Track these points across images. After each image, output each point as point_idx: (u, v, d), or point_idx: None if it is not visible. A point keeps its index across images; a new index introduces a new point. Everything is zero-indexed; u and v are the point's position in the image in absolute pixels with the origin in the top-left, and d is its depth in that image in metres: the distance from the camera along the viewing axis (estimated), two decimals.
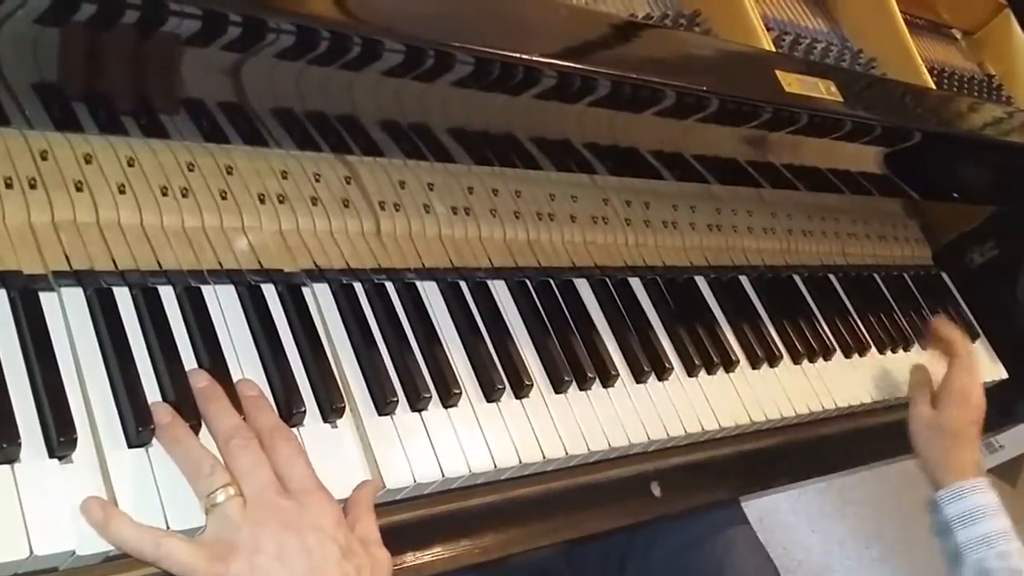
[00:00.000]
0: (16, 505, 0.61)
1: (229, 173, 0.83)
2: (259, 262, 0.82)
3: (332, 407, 0.77)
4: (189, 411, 0.70)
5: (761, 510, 2.28)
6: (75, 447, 0.64)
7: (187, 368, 0.72)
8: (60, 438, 0.63)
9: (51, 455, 0.64)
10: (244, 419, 0.71)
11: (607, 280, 1.05)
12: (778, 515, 2.37)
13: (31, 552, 0.60)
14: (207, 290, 0.77)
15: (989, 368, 1.47)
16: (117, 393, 0.68)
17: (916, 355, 1.36)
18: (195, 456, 0.67)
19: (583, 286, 1.03)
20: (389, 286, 0.88)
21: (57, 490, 0.63)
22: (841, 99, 1.06)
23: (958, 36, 1.57)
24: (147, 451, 0.67)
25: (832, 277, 1.35)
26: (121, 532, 0.63)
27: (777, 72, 1.01)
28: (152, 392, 0.70)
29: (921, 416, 1.18)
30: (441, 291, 0.91)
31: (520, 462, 0.86)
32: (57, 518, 0.62)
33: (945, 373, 1.21)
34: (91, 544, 0.62)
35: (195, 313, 0.75)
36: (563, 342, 0.95)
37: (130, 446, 0.67)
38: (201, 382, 0.71)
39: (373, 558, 0.69)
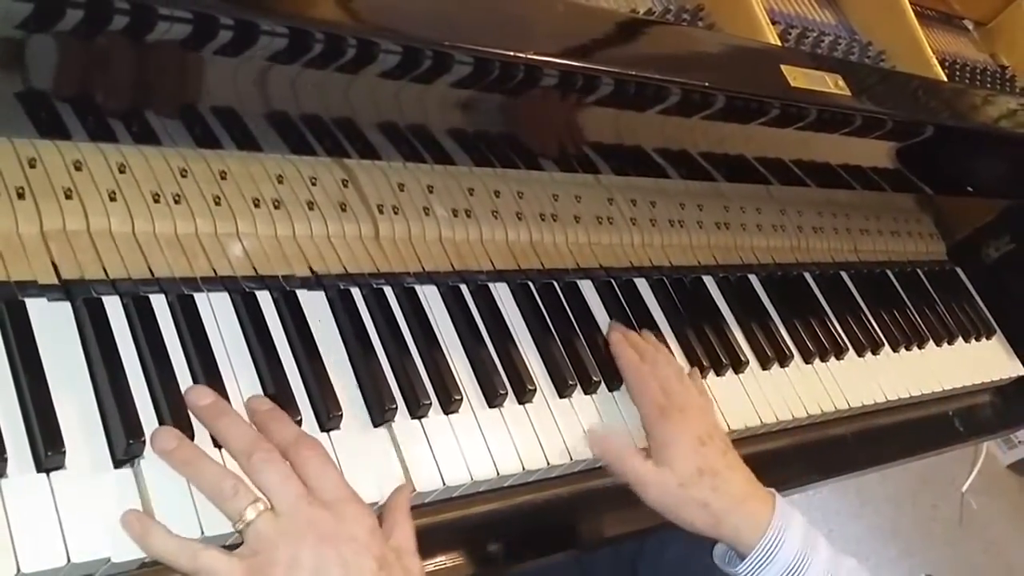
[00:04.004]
0: (3, 522, 0.59)
1: (223, 178, 0.82)
2: (254, 268, 0.80)
3: (329, 416, 0.75)
4: (183, 423, 0.68)
5: None
6: (63, 461, 0.63)
7: (179, 378, 0.71)
8: (48, 452, 0.62)
9: (39, 469, 0.62)
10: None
11: (612, 281, 1.04)
12: None
13: (18, 570, 0.58)
14: (200, 298, 0.76)
15: (1006, 365, 1.45)
16: (107, 406, 0.66)
17: (930, 352, 1.34)
18: (213, 478, 0.66)
19: (587, 288, 1.01)
20: (388, 291, 0.86)
21: (45, 505, 0.61)
22: (849, 93, 1.04)
23: (970, 27, 1.54)
24: (139, 464, 0.66)
25: (844, 274, 1.33)
26: (160, 544, 0.62)
27: (783, 67, 0.99)
28: (144, 404, 0.68)
29: (655, 482, 0.83)
30: (442, 295, 0.90)
31: (523, 469, 0.84)
32: (46, 535, 0.61)
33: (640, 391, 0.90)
34: (83, 560, 0.61)
35: (188, 322, 0.74)
36: (567, 345, 0.94)
37: (120, 460, 0.65)
38: (205, 399, 0.70)
39: (405, 570, 0.69)
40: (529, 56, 0.80)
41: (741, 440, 1.05)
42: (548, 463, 0.86)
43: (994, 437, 2.14)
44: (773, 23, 1.09)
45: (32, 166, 0.72)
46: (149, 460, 0.66)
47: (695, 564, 1.13)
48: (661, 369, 0.92)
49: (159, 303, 0.74)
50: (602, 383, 0.93)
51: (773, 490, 0.83)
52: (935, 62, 1.26)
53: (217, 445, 0.69)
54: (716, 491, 0.81)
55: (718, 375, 1.04)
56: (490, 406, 0.86)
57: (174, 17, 0.65)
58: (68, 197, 0.73)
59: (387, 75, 0.77)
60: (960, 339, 1.40)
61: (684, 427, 0.85)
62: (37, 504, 0.61)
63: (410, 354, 0.83)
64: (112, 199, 0.75)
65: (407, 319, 0.86)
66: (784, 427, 1.09)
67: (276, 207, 0.84)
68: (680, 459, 0.82)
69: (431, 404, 0.81)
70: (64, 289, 0.70)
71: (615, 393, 0.94)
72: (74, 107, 0.70)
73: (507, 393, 0.86)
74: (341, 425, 0.76)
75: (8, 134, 0.71)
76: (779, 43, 1.09)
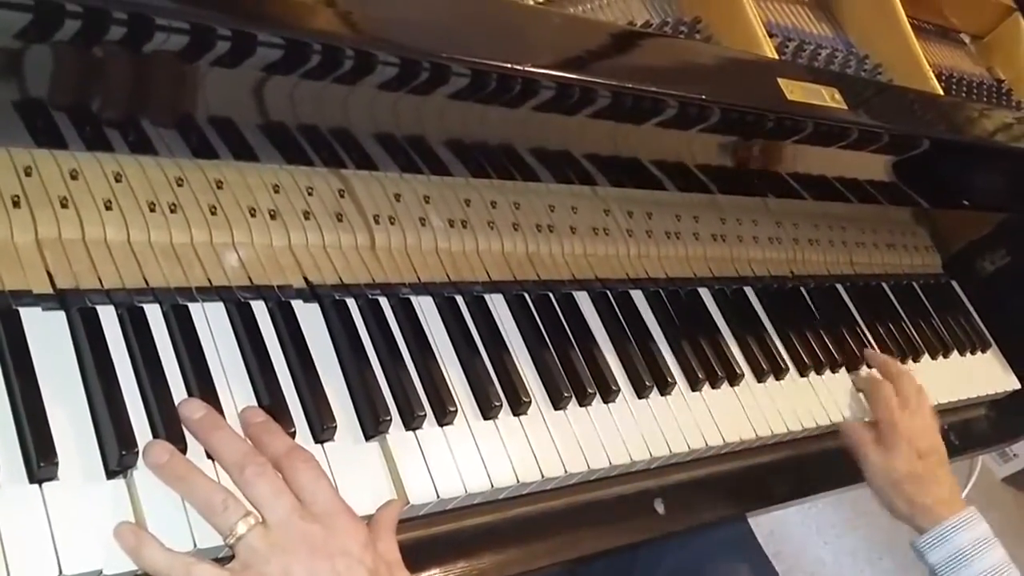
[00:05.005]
0: None
1: (219, 188, 0.82)
2: (249, 278, 0.80)
3: (323, 427, 0.75)
4: (176, 434, 0.68)
5: (772, 522, 2.26)
6: (56, 472, 0.63)
7: (173, 388, 0.71)
8: (40, 463, 0.62)
9: (31, 480, 0.62)
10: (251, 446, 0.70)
11: (608, 293, 1.03)
12: (789, 527, 2.34)
13: None
14: (195, 308, 0.76)
15: (1001, 378, 1.45)
16: (100, 416, 0.66)
17: (926, 365, 1.34)
18: (204, 493, 0.65)
19: (583, 299, 1.01)
20: (383, 301, 0.86)
21: (37, 516, 0.61)
22: (845, 107, 1.04)
23: (966, 40, 1.54)
24: (132, 475, 0.65)
25: (839, 287, 1.33)
26: (153, 557, 0.62)
27: (779, 80, 0.99)
28: (138, 414, 0.68)
29: (876, 470, 1.07)
30: (437, 306, 0.90)
31: (518, 481, 0.84)
32: (38, 546, 0.60)
33: (882, 407, 1.10)
34: (74, 572, 0.61)
35: (182, 332, 0.74)
36: (562, 357, 0.94)
37: (113, 471, 0.65)
38: (198, 412, 0.69)
39: None
40: (526, 68, 0.80)
41: (736, 453, 1.06)
42: (543, 475, 0.85)
43: (989, 451, 2.12)
44: (770, 36, 1.09)
45: (28, 175, 0.72)
46: (142, 471, 0.66)
47: (690, 575, 1.13)
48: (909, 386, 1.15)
49: (154, 313, 0.73)
50: (597, 395, 0.93)
51: (970, 506, 1.06)
52: (932, 75, 1.26)
53: (210, 456, 0.69)
54: (918, 493, 1.05)
55: (713, 387, 1.04)
56: (485, 418, 0.85)
57: (172, 28, 0.65)
58: (64, 206, 0.73)
59: (384, 86, 0.77)
60: (955, 352, 1.41)
61: (912, 439, 1.07)
62: (29, 515, 0.61)
63: (405, 365, 0.83)
64: (108, 208, 0.75)
65: (402, 330, 0.86)
66: (779, 440, 1.09)
67: (272, 217, 0.84)
68: (902, 461, 1.05)
69: (425, 415, 0.81)
70: (59, 298, 0.70)
71: (610, 405, 0.94)
72: (71, 116, 0.69)
73: (502, 405, 0.86)
74: (335, 437, 0.76)
75: (4, 143, 0.71)
76: (776, 56, 1.09)
